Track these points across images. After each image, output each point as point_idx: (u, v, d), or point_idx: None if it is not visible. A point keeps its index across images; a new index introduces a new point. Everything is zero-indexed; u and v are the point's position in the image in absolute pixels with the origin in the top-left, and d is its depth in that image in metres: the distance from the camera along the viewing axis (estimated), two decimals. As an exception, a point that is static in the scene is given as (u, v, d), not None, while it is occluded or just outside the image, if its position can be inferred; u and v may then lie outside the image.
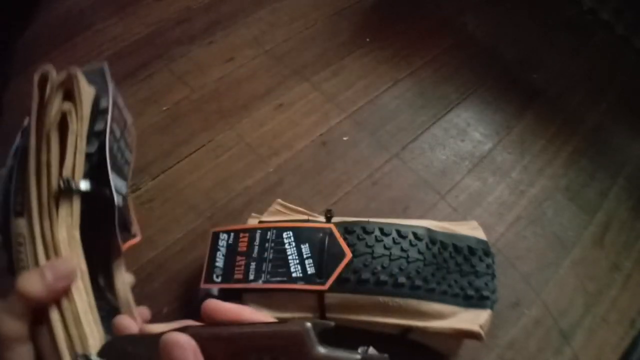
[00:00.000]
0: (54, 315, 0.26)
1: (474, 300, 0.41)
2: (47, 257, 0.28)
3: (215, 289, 0.43)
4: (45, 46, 0.67)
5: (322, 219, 0.45)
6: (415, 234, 0.42)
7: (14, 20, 0.68)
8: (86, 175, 0.30)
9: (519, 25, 0.79)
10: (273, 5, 0.75)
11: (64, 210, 0.29)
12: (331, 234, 0.42)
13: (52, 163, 0.29)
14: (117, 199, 0.31)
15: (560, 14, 0.82)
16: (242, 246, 0.43)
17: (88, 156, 0.31)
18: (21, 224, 0.29)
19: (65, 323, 0.26)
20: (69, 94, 0.31)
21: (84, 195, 0.30)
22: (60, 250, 0.28)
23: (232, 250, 0.43)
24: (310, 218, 0.45)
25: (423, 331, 0.40)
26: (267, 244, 0.42)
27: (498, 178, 0.61)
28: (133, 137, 0.39)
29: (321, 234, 0.42)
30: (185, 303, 0.49)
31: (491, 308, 0.41)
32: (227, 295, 0.43)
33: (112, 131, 0.33)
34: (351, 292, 0.40)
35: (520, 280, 0.53)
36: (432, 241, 0.42)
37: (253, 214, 0.48)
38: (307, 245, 0.41)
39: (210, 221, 0.54)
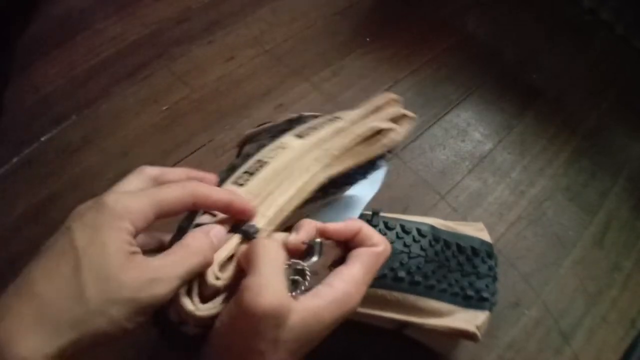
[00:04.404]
0: None
1: (473, 301, 0.41)
2: None
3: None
4: (45, 46, 0.67)
5: None
6: (419, 230, 0.42)
7: (15, 20, 0.68)
8: None
9: (519, 25, 0.79)
10: (273, 5, 0.75)
11: None
12: None
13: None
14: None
15: (560, 14, 0.82)
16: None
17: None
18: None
19: None
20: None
21: None
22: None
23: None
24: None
25: (419, 328, 0.40)
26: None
27: (498, 178, 0.61)
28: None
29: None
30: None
31: (490, 310, 0.41)
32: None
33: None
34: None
35: (520, 280, 0.53)
36: (436, 239, 0.42)
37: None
38: None
39: (210, 221, 0.54)
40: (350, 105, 0.37)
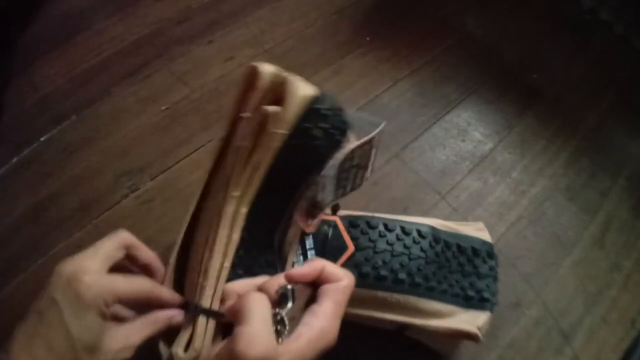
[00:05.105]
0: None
1: (474, 301, 0.41)
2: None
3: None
4: (45, 46, 0.67)
5: (328, 211, 0.45)
6: (419, 232, 0.42)
7: (15, 20, 0.68)
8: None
9: (519, 25, 0.79)
10: (273, 5, 0.75)
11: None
12: (335, 226, 0.42)
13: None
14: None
15: (560, 14, 0.82)
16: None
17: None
18: None
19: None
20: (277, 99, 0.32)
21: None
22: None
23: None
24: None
25: (420, 329, 0.40)
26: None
27: (498, 178, 0.61)
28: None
29: (326, 226, 0.42)
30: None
31: (491, 310, 0.41)
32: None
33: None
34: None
35: (521, 280, 0.53)
36: (436, 240, 0.42)
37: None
38: (310, 237, 0.41)
39: (210, 221, 0.54)
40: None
